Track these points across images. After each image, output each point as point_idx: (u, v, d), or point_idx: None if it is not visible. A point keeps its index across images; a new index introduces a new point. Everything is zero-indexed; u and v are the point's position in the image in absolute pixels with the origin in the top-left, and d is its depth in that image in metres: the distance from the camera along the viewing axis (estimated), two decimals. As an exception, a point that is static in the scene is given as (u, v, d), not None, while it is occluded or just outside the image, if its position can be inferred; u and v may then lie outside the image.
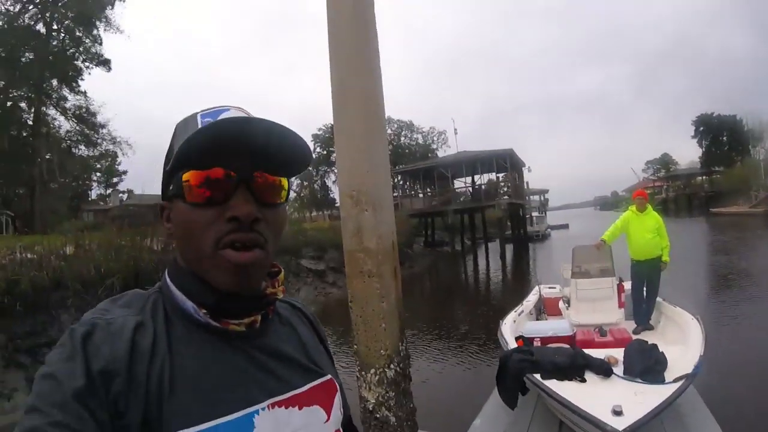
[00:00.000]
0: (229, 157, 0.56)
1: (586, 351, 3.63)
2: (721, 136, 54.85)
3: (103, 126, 25.80)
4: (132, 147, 26.79)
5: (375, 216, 2.80)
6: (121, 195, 36.12)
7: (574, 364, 3.35)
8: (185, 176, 0.56)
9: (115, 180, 37.28)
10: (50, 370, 0.49)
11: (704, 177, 54.31)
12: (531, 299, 6.32)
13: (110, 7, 24.60)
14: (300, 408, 0.61)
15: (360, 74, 3.02)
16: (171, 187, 0.59)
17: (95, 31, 24.80)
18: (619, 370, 3.40)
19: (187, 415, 0.51)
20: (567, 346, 3.94)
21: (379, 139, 3.12)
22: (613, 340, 4.54)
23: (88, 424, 0.46)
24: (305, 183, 43.23)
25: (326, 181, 44.42)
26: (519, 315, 5.50)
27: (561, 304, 6.11)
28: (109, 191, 37.74)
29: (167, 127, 0.65)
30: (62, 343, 0.52)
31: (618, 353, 3.63)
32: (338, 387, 0.70)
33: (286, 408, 0.59)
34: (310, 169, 36.16)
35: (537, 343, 4.19)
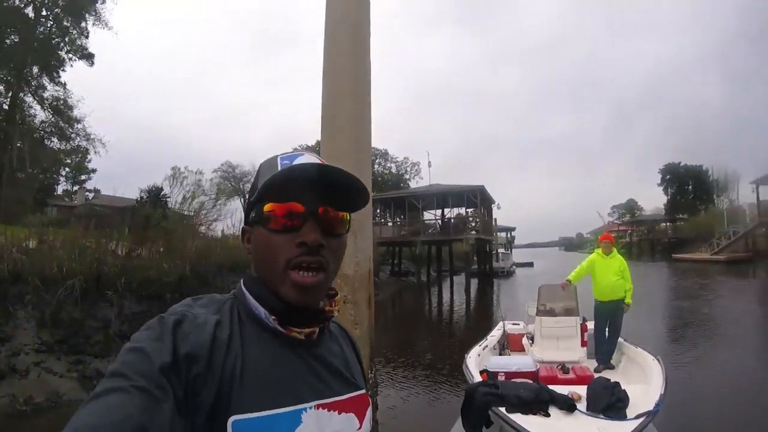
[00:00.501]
0: (302, 193, 0.68)
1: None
2: (686, 185, 56.96)
3: (78, 121, 24.94)
4: (105, 146, 25.96)
5: (355, 242, 2.84)
6: (87, 193, 34.85)
7: (539, 399, 3.43)
8: (268, 207, 0.68)
9: (83, 177, 36.15)
10: (139, 345, 0.57)
11: (668, 223, 55.85)
12: (495, 334, 6.39)
13: (101, 0, 24.30)
14: (339, 413, 0.70)
15: (352, 99, 3.09)
16: (253, 215, 0.71)
17: (83, 23, 24.37)
18: (582, 406, 3.50)
19: (251, 403, 0.60)
20: (531, 381, 4.02)
21: (365, 165, 3.19)
22: (576, 378, 4.65)
23: (167, 396, 0.54)
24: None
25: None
26: (483, 349, 5.58)
27: (525, 341, 6.23)
28: (75, 188, 36.47)
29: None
30: (151, 326, 0.61)
31: (581, 390, 3.73)
32: (369, 402, 0.79)
33: (328, 411, 0.68)
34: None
35: (501, 378, 4.26)
